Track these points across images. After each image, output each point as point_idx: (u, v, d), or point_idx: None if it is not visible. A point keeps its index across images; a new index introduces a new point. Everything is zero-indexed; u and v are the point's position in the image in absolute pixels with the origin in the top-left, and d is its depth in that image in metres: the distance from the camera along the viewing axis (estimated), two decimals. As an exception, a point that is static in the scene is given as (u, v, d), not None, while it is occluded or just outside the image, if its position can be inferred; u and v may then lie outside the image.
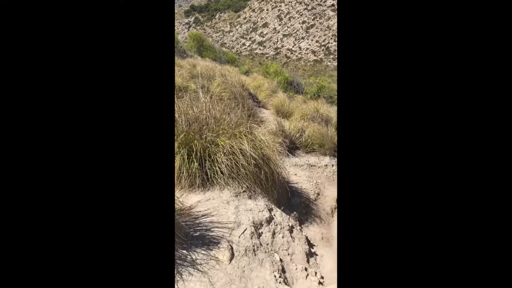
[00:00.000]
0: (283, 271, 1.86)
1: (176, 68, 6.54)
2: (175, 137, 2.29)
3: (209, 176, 2.31)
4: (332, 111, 6.75)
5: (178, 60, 8.31)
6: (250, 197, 2.33)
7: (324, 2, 77.87)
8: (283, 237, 2.14)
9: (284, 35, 75.75)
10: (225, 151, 2.30)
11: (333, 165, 3.81)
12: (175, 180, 2.20)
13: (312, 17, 76.00)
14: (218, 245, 1.77)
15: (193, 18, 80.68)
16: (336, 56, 64.00)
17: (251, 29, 78.72)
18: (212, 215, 2.02)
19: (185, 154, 2.27)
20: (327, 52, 67.18)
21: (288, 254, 2.04)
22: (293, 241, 2.19)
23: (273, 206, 2.40)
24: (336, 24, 72.31)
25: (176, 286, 1.45)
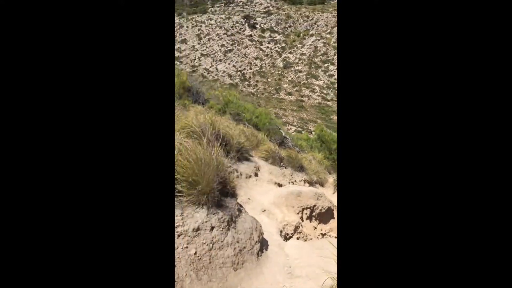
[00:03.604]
0: None
1: None
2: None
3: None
4: (233, 128, 4.94)
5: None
6: None
7: (243, 31, 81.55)
8: None
9: (202, 54, 74.72)
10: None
11: (213, 227, 1.83)
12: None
13: (231, 43, 78.03)
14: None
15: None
16: (251, 82, 66.52)
17: (167, 42, 74.80)
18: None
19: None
20: (242, 78, 69.08)
21: None
22: None
23: None
24: (252, 53, 76.09)
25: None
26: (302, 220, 3.83)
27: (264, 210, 3.34)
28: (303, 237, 3.50)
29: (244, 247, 1.95)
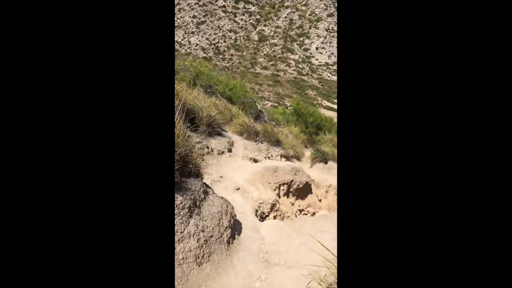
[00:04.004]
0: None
1: None
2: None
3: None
4: (203, 100, 4.49)
5: None
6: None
7: (216, 1, 77.24)
8: None
9: (172, 26, 70.25)
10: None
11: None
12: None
13: (203, 14, 73.87)
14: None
15: None
16: (225, 56, 64.28)
17: (133, 11, 69.49)
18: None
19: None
20: (216, 51, 66.41)
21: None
22: None
23: None
24: (226, 25, 72.82)
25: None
26: (279, 197, 3.60)
27: (238, 189, 3.03)
28: (280, 215, 3.27)
29: (211, 236, 1.64)
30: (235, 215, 2.15)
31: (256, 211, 2.89)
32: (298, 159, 6.07)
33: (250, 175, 3.40)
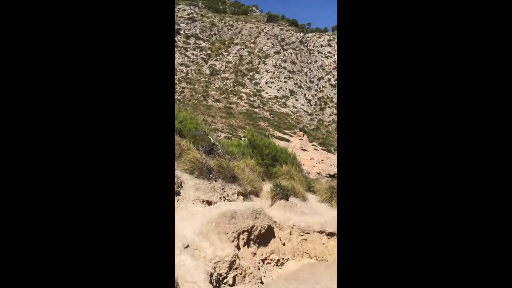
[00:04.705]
0: None
1: None
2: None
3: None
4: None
5: None
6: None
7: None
8: None
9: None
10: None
11: None
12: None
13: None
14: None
15: None
16: (177, 89, 63.75)
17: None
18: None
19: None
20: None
21: None
22: None
23: None
24: (177, 59, 73.22)
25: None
26: (239, 249, 3.00)
27: (187, 246, 2.38)
28: (241, 274, 2.66)
29: None
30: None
31: (211, 275, 2.25)
32: (257, 195, 5.58)
33: (202, 225, 2.78)
